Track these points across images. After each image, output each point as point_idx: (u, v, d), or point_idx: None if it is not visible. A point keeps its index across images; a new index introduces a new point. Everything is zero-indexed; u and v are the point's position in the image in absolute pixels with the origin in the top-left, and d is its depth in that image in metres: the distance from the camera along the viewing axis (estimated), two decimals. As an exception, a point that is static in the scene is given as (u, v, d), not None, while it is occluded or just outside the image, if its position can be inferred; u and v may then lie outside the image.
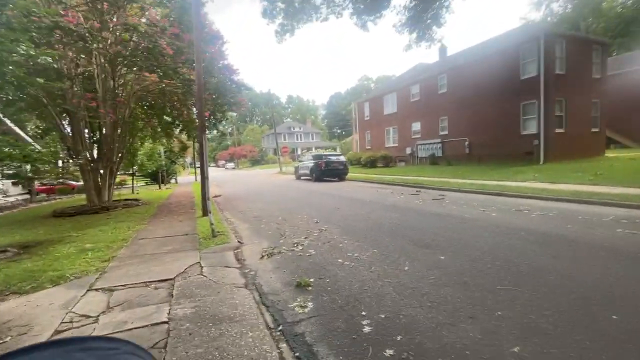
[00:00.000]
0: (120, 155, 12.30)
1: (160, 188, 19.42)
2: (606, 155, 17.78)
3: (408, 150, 24.69)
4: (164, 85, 12.03)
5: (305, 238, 5.77)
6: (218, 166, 73.31)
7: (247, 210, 9.64)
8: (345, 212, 7.97)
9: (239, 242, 5.94)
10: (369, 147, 30.11)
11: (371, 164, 25.00)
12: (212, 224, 6.34)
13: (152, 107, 15.30)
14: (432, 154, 21.78)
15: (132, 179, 17.76)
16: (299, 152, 61.25)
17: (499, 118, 17.72)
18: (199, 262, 4.58)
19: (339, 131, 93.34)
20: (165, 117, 15.40)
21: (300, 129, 69.28)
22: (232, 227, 7.48)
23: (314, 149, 62.44)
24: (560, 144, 15.70)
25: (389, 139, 27.62)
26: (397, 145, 26.39)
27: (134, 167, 17.36)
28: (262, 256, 4.96)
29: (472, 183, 11.35)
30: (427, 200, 8.85)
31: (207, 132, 16.13)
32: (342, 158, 17.91)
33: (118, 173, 21.58)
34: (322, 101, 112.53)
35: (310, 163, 18.20)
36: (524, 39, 16.39)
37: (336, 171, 17.33)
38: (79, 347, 0.46)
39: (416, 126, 24.20)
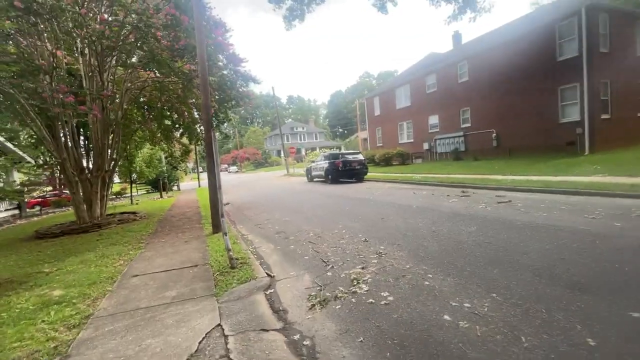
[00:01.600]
0: (113, 162, 10.70)
1: (161, 197, 17.84)
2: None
3: (425, 146, 23.00)
4: (159, 82, 10.47)
5: (362, 268, 4.11)
6: (220, 170, 71.67)
7: (266, 223, 7.99)
8: (396, 223, 6.30)
9: (268, 274, 4.30)
10: (381, 145, 28.45)
11: (386, 162, 23.31)
12: (229, 250, 4.69)
13: (149, 108, 13.80)
14: (455, 149, 20.08)
15: (131, 188, 16.18)
16: (304, 152, 59.62)
17: (532, 106, 16.00)
18: (219, 325, 2.93)
19: (341, 130, 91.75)
20: (164, 119, 13.85)
21: (303, 129, 67.71)
22: (253, 248, 5.84)
23: (318, 149, 60.86)
24: (607, 132, 13.98)
25: (402, 134, 25.93)
26: (412, 141, 24.70)
27: (133, 175, 15.77)
28: (312, 305, 3.31)
29: (527, 180, 9.65)
30: (490, 204, 7.17)
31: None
32: (361, 156, 16.23)
33: (117, 181, 19.95)
34: (323, 100, 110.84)
35: (325, 163, 16.55)
36: (561, 15, 14.66)
37: (354, 171, 15.67)
38: None
39: (434, 119, 22.50)
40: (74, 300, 3.57)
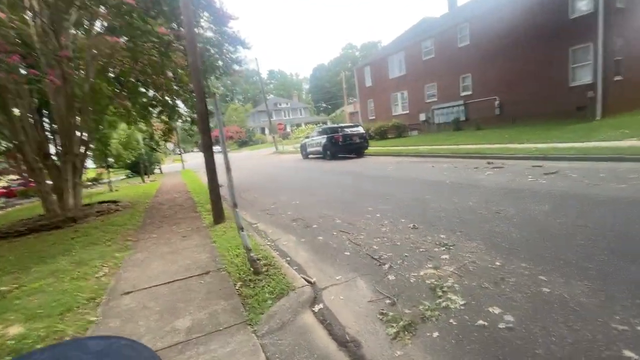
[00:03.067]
0: (84, 145, 9.12)
1: (143, 181, 16.25)
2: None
3: (422, 117, 22.02)
4: (130, 48, 8.79)
5: (435, 268, 3.12)
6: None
7: (274, 208, 6.88)
8: (439, 204, 5.31)
9: (306, 280, 3.26)
10: (373, 117, 27.26)
11: (381, 135, 22.24)
12: (249, 250, 3.59)
13: (122, 82, 12.02)
14: (455, 119, 19.19)
15: (108, 173, 14.51)
16: (289, 129, 57.62)
17: (540, 69, 15.11)
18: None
19: (324, 105, 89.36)
20: (139, 96, 12.12)
21: (287, 104, 65.31)
22: (270, 241, 4.76)
23: (303, 125, 59.08)
24: (619, 95, 13.33)
25: (397, 105, 24.78)
26: (407, 112, 23.64)
27: (109, 159, 14.08)
28: (395, 332, 2.30)
29: (553, 148, 8.85)
30: (537, 176, 6.28)
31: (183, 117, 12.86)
32: (361, 129, 15.08)
33: (94, 167, 18.02)
34: (305, 74, 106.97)
35: (322, 138, 15.32)
36: (575, -32, 13.49)
37: (355, 145, 14.56)
38: (77, 347, 0.46)
39: (431, 88, 21.39)
40: (38, 347, 2.41)
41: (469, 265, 3.09)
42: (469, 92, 18.82)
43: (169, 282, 3.45)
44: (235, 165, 17.35)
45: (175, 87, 11.85)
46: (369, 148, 15.33)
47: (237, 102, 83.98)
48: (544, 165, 7.14)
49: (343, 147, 14.36)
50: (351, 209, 5.74)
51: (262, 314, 2.66)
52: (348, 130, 14.56)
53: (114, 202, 9.61)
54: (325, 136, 14.98)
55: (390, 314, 2.51)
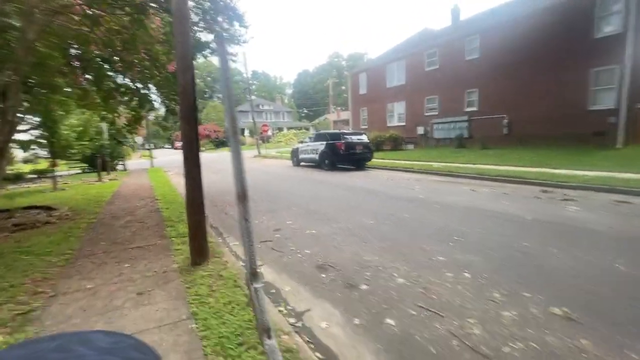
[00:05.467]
0: (9, 128, 6.56)
1: (100, 179, 13.42)
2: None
3: (420, 130, 20.71)
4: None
5: None
6: (175, 148, 64.87)
7: (281, 238, 4.81)
8: (567, 262, 3.45)
9: None
10: (365, 127, 25.70)
11: (376, 146, 20.62)
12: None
13: (81, 57, 9.51)
14: (459, 135, 17.93)
15: (53, 165, 11.63)
16: (270, 132, 55.17)
17: (556, 89, 14.15)
18: None
19: (306, 111, 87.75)
20: (104, 79, 9.63)
21: (270, 107, 62.98)
22: (296, 318, 2.70)
23: (285, 129, 56.97)
24: (643, 123, 12.51)
25: (392, 116, 23.40)
26: (404, 124, 22.28)
27: (53, 149, 11.26)
28: None
29: (611, 177, 7.45)
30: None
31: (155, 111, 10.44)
32: (365, 138, 13.31)
33: (46, 157, 14.72)
34: (289, 79, 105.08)
35: (319, 145, 13.37)
36: (604, -15, 12.65)
37: (358, 156, 12.74)
38: (80, 341, 0.45)
39: (432, 101, 20.16)
40: None
41: None
42: (474, 108, 17.70)
43: None
44: (214, 168, 14.78)
45: (148, 69, 9.47)
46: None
47: (216, 100, 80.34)
48: (634, 202, 5.60)
49: (345, 156, 12.47)
50: (408, 255, 3.79)
51: None
52: (352, 138, 12.71)
53: (48, 208, 7.03)
54: (325, 142, 13.04)
55: None
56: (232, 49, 8.23)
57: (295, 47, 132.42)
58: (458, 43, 18.24)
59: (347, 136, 12.76)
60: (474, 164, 11.45)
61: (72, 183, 13.40)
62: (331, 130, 18.79)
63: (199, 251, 3.81)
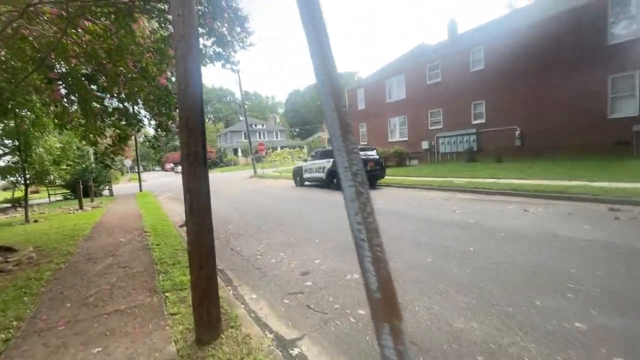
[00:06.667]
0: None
1: (81, 207, 11.93)
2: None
3: (424, 145, 19.88)
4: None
5: None
6: (166, 170, 63.21)
7: (314, 288, 3.55)
8: None
9: None
10: (365, 143, 24.87)
11: (380, 162, 19.67)
12: None
13: (63, 74, 8.41)
14: (469, 148, 17.09)
15: (26, 194, 10.16)
16: (264, 152, 54.12)
17: (570, 98, 13.50)
18: None
19: (298, 130, 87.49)
20: (87, 97, 8.48)
21: (263, 126, 62.31)
22: None
23: (279, 148, 56.08)
24: (671, 130, 11.82)
25: (394, 131, 22.63)
26: (406, 139, 21.49)
27: (26, 173, 9.89)
28: None
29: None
30: None
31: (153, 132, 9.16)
32: (375, 154, 12.25)
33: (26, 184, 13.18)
34: (281, 99, 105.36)
35: (326, 162, 12.27)
36: (615, -10, 12.25)
37: (370, 174, 11.61)
38: None
39: (436, 115, 19.45)
40: None
41: None
42: (482, 120, 16.97)
43: None
44: (211, 190, 13.12)
45: (136, 81, 8.33)
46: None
47: (207, 121, 79.48)
48: None
49: (355, 174, 11.33)
50: (518, 318, 2.58)
51: None
52: (363, 155, 11.63)
53: (8, 249, 5.61)
54: (332, 160, 11.92)
55: None
56: (235, 56, 7.18)
57: (286, 67, 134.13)
58: (461, 55, 17.74)
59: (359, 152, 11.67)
60: (498, 178, 10.43)
61: (50, 212, 11.89)
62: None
63: (208, 323, 2.54)
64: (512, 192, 8.07)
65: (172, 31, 2.73)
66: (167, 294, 3.50)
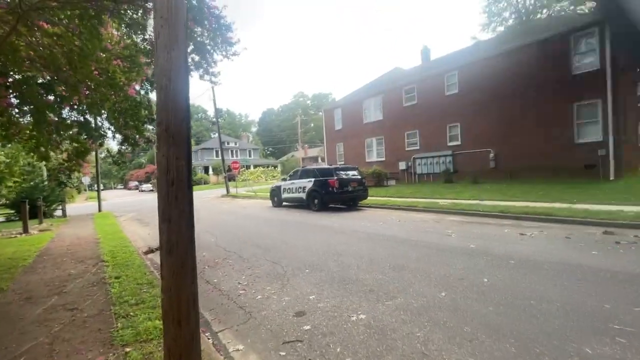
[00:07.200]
0: None
1: (26, 231, 10.40)
2: None
3: (402, 166, 20.02)
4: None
5: None
6: (129, 188, 59.57)
7: (315, 335, 2.90)
8: None
9: None
10: (342, 162, 24.74)
11: (358, 182, 19.44)
12: None
13: (16, 81, 7.49)
14: (446, 170, 17.33)
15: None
16: (238, 171, 52.63)
17: (540, 123, 14.17)
18: None
19: (271, 149, 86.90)
20: (48, 110, 7.52)
21: (235, 144, 61.05)
22: None
23: (252, 167, 54.99)
24: (634, 153, 12.59)
25: (371, 152, 22.71)
26: (383, 159, 21.58)
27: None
28: None
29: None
30: None
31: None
32: (358, 174, 11.92)
33: None
34: (254, 117, 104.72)
35: (307, 182, 11.74)
36: (578, 26, 13.19)
37: (352, 194, 11.25)
38: None
39: (412, 136, 19.76)
40: None
41: None
42: (457, 142, 17.40)
43: None
44: None
45: (99, 90, 7.49)
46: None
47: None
48: None
49: (338, 195, 10.90)
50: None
51: None
52: (345, 174, 11.26)
53: None
54: (313, 179, 11.44)
55: None
56: (215, 67, 6.62)
57: (260, 86, 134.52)
58: (436, 79, 18.34)
59: (340, 172, 11.30)
60: (480, 200, 10.42)
61: (-14, 237, 10.23)
62: (320, 165, 17.32)
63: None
64: (500, 214, 7.95)
65: (153, 14, 2.16)
66: (127, 349, 2.72)
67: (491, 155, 15.82)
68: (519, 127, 14.85)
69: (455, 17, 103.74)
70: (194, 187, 43.03)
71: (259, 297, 3.97)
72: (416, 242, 5.99)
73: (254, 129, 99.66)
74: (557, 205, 8.32)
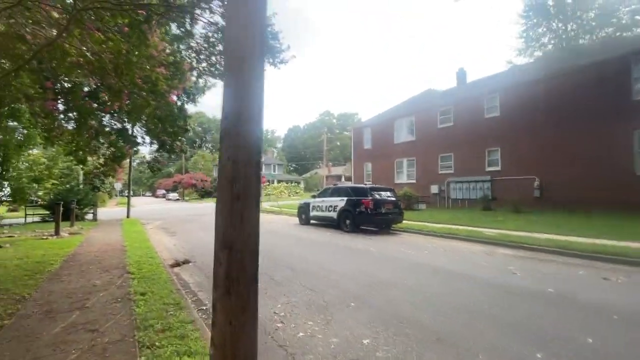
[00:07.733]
0: None
1: (58, 233, 10.45)
2: None
3: (434, 189, 19.07)
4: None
5: None
6: (157, 196, 61.37)
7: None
8: None
9: None
10: (370, 182, 24.03)
11: (387, 204, 18.63)
12: None
13: (65, 90, 7.68)
14: (484, 196, 16.25)
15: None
16: (264, 184, 53.03)
17: (594, 152, 12.99)
18: None
19: (294, 165, 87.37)
20: (90, 117, 7.65)
21: (262, 159, 61.69)
22: None
23: (276, 181, 55.20)
24: None
25: (401, 173, 21.93)
26: (413, 181, 20.71)
27: (4, 190, 8.55)
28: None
29: None
30: None
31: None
32: (393, 196, 11.24)
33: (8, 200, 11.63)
34: (279, 133, 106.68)
35: (339, 201, 11.18)
36: (638, 49, 12.23)
37: (387, 217, 10.55)
38: None
39: (447, 159, 18.88)
40: None
41: None
42: (497, 168, 16.36)
43: None
44: (205, 221, 11.77)
45: (141, 96, 7.43)
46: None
47: (205, 150, 79.02)
48: None
49: (372, 216, 10.23)
50: None
51: None
52: (381, 195, 10.62)
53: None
54: (346, 198, 10.87)
55: None
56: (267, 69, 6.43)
57: (287, 103, 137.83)
58: (474, 101, 17.59)
59: (375, 192, 10.67)
60: (530, 232, 9.40)
61: (21, 236, 10.36)
62: (353, 184, 16.64)
63: None
64: (564, 251, 6.98)
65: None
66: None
67: (536, 183, 14.65)
68: (568, 154, 13.71)
69: (486, 42, 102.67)
70: (214, 198, 44.00)
71: (301, 334, 3.39)
72: (474, 278, 5.21)
73: (279, 145, 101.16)
74: (631, 244, 7.24)
